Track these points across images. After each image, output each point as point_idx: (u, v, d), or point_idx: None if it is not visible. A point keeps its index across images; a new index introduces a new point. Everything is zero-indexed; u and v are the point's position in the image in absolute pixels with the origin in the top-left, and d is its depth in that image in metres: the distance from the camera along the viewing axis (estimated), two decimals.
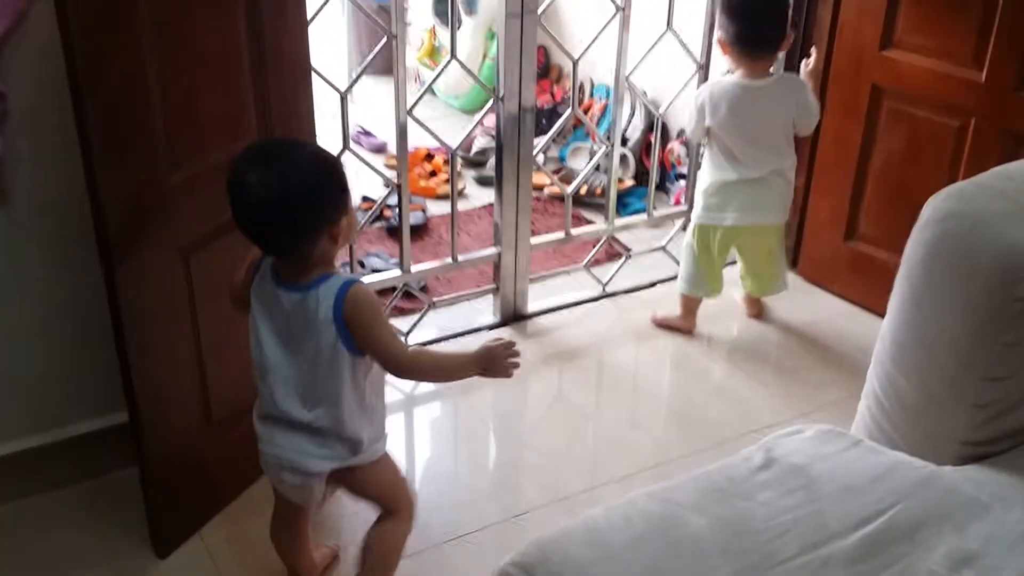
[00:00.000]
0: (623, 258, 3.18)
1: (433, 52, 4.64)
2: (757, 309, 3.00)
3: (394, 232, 3.31)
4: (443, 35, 4.71)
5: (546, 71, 4.47)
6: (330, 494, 1.86)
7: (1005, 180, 1.72)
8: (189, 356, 2.02)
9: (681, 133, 3.77)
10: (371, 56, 2.56)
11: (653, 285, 3.17)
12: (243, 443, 1.90)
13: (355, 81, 2.54)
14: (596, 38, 2.79)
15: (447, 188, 3.47)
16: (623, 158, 3.84)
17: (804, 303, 3.08)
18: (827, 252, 3.10)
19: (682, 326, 2.92)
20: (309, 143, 1.76)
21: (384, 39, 2.48)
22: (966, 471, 1.69)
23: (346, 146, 2.51)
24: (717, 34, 2.65)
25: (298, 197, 1.57)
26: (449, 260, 2.82)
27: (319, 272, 1.64)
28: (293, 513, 1.90)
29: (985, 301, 1.65)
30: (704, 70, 3.00)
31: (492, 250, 2.87)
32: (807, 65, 2.74)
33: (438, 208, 3.65)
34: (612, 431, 2.56)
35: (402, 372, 1.73)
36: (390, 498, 1.87)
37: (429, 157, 3.91)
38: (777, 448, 1.75)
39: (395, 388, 2.64)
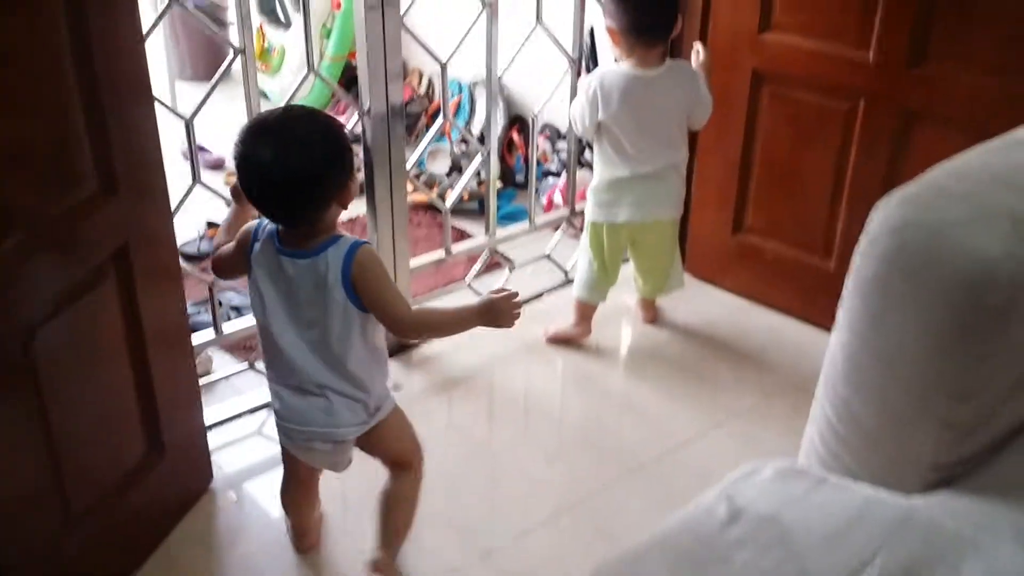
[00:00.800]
0: (507, 270, 2.97)
1: (264, 54, 4.30)
2: (652, 313, 2.85)
3: None
4: (272, 35, 4.38)
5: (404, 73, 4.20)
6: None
7: (957, 180, 1.59)
8: (36, 446, 1.69)
9: (545, 129, 3.59)
10: (217, 78, 2.23)
11: (540, 296, 2.98)
12: (109, 533, 1.66)
13: (200, 106, 2.21)
14: (465, 36, 2.55)
15: None
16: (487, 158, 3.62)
17: (697, 302, 2.95)
18: (715, 246, 2.98)
19: (576, 335, 2.76)
20: (310, 110, 1.70)
21: (231, 55, 2.16)
22: (941, 501, 1.56)
23: (196, 179, 2.19)
24: (606, 23, 2.48)
25: (315, 172, 1.60)
26: None
27: (325, 237, 1.67)
28: (308, 476, 1.96)
29: (950, 313, 1.51)
30: (576, 65, 2.80)
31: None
32: (698, 56, 2.59)
33: None
34: (523, 467, 2.35)
35: (407, 332, 1.86)
36: (405, 450, 1.91)
37: None
38: (739, 496, 1.58)
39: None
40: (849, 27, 2.49)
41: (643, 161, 2.52)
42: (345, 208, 1.69)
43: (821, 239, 2.71)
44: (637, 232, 2.61)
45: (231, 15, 4.36)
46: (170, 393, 2.00)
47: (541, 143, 3.56)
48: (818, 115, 2.63)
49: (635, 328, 2.85)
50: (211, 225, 3.23)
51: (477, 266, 2.90)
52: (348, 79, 4.12)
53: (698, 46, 2.59)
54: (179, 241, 2.15)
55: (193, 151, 2.20)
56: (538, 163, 3.57)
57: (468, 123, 3.82)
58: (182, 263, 2.09)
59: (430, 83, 4.05)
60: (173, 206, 2.00)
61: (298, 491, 1.99)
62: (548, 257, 3.07)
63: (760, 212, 2.85)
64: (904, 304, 1.54)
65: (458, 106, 3.84)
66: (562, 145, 3.51)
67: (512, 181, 3.68)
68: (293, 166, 1.59)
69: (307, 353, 1.73)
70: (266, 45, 4.33)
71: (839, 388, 1.67)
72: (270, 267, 1.71)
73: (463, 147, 3.69)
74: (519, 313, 1.75)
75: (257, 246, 1.72)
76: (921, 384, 1.56)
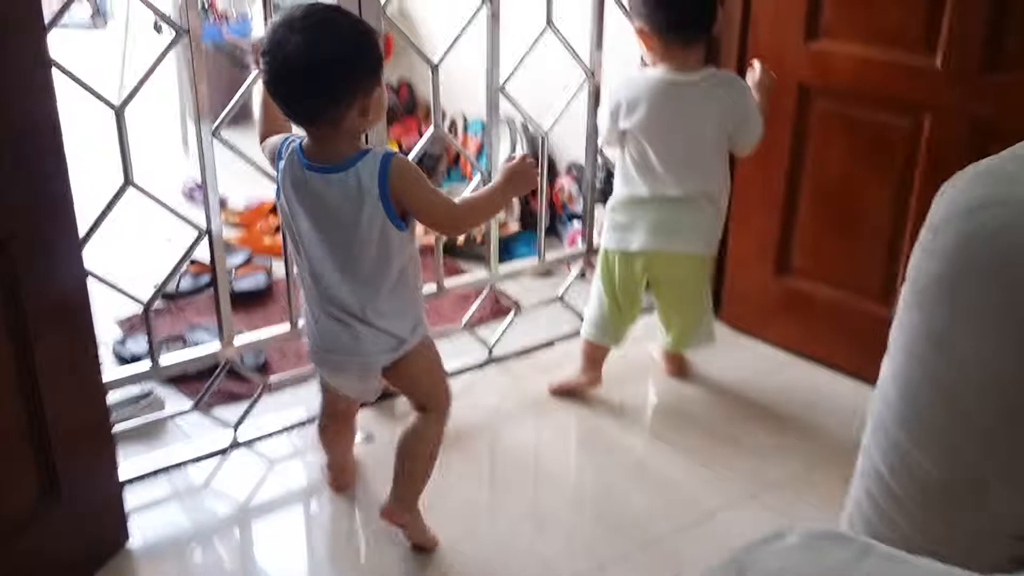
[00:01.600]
0: (511, 314, 2.61)
1: None
2: (678, 366, 2.46)
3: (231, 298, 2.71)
4: None
5: (412, 108, 3.95)
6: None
7: None
8: None
9: (571, 168, 3.26)
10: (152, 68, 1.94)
11: (551, 344, 2.62)
12: None
13: (132, 94, 1.91)
14: (460, 34, 2.23)
15: None
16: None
17: (733, 355, 2.56)
18: (755, 291, 2.60)
19: (583, 383, 2.39)
20: (346, 11, 1.73)
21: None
22: None
23: (128, 181, 1.88)
24: (634, 25, 2.16)
25: (336, 59, 1.58)
26: (287, 327, 2.19)
27: (351, 150, 1.64)
28: (345, 409, 1.97)
29: None
30: (594, 78, 2.47)
31: None
32: (754, 73, 2.25)
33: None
34: (519, 537, 1.97)
35: (459, 224, 1.82)
36: (431, 387, 1.86)
37: (275, 210, 3.29)
38: (754, 567, 1.18)
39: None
40: (912, 28, 2.16)
41: (670, 181, 2.17)
42: (367, 121, 1.65)
43: (880, 282, 2.32)
44: (655, 266, 2.26)
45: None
46: (70, 431, 1.66)
47: (567, 184, 3.22)
48: (876, 134, 2.27)
49: (658, 382, 2.47)
50: (193, 262, 2.91)
51: (475, 305, 2.53)
52: None
53: (756, 63, 2.25)
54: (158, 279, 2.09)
55: (124, 144, 1.88)
56: (563, 205, 3.24)
57: (489, 167, 3.49)
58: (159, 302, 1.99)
59: (452, 123, 3.76)
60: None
61: (334, 425, 1.98)
62: (561, 300, 2.71)
63: (808, 251, 2.47)
64: (981, 315, 1.14)
65: (480, 147, 3.53)
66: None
67: (534, 225, 3.33)
68: (318, 49, 1.56)
69: (337, 276, 1.70)
70: None
71: (892, 432, 1.27)
72: (297, 186, 1.67)
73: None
74: (537, 172, 1.82)
75: (282, 164, 1.69)
76: (1001, 425, 1.16)
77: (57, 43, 1.62)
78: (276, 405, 2.33)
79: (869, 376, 1.70)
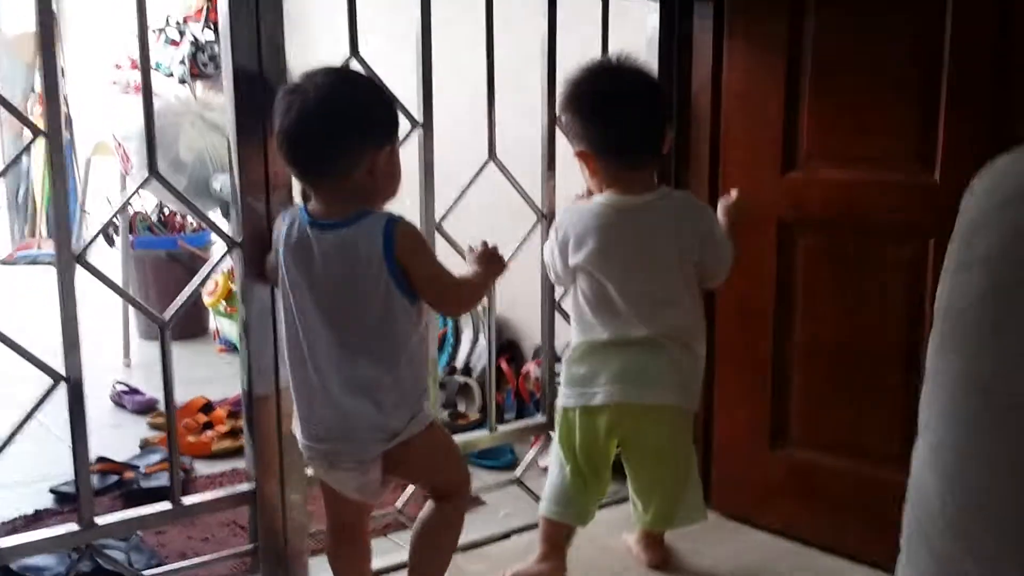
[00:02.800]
0: None
1: (231, 296, 3.78)
2: (660, 554, 2.03)
3: (133, 498, 2.32)
4: None
5: None
6: (387, 485, 1.69)
7: None
8: None
9: (538, 353, 2.91)
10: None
11: (507, 536, 2.18)
12: None
13: None
14: None
15: (229, 443, 2.82)
16: (464, 387, 2.96)
17: (727, 546, 2.14)
18: (748, 469, 2.21)
19: (543, 572, 1.95)
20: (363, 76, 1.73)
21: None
22: None
23: None
24: (574, 149, 1.90)
25: (348, 102, 1.55)
26: (167, 505, 1.77)
27: (359, 209, 1.56)
28: (353, 522, 1.74)
29: None
30: (547, 220, 2.16)
31: (243, 486, 1.84)
32: (726, 202, 1.99)
33: (211, 467, 2.66)
34: None
35: (462, 300, 1.71)
36: (446, 471, 1.70)
37: (207, 408, 2.93)
38: None
39: None
40: (904, 143, 1.88)
41: (634, 320, 1.86)
42: (375, 180, 1.56)
43: (896, 445, 1.92)
44: (625, 422, 1.89)
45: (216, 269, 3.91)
46: None
47: (533, 370, 2.87)
48: (871, 269, 1.97)
49: (634, 575, 2.00)
50: (101, 459, 2.56)
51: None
52: None
53: (733, 192, 1.99)
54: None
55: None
56: (531, 394, 2.88)
57: (452, 359, 3.17)
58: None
59: None
60: None
61: (345, 545, 1.75)
62: (519, 483, 2.27)
63: (808, 415, 2.11)
64: None
65: (442, 339, 3.20)
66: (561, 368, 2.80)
67: (500, 419, 2.95)
68: (331, 95, 1.53)
69: (332, 349, 1.57)
70: (234, 287, 3.83)
71: (939, 547, 0.86)
72: (297, 247, 1.58)
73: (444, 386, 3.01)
74: (500, 256, 1.72)
75: (284, 228, 1.61)
76: None
77: None
78: None
79: (889, 563, 1.21)
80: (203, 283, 1.83)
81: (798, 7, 2.03)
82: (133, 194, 1.84)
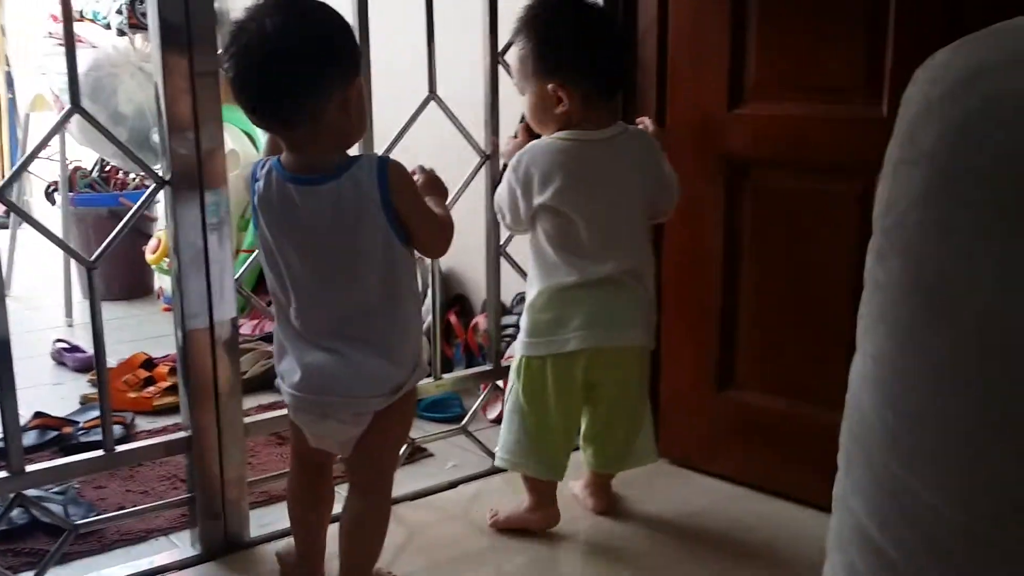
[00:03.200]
0: (403, 448, 2.13)
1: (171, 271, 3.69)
2: (606, 500, 2.01)
3: (72, 453, 2.24)
4: None
5: None
6: None
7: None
8: None
9: (486, 306, 2.86)
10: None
11: (454, 486, 2.13)
12: None
13: None
14: None
15: (171, 399, 2.69)
16: None
17: (672, 492, 2.09)
18: (695, 414, 2.17)
19: (532, 521, 1.93)
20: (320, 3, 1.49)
21: None
22: None
23: None
24: (548, 83, 1.81)
25: (309, 36, 1.40)
26: (99, 452, 1.71)
27: (342, 157, 1.46)
28: (322, 462, 1.65)
29: None
30: (489, 160, 2.11)
31: (179, 433, 1.79)
32: (644, 129, 1.95)
33: (152, 423, 2.60)
34: None
35: (448, 239, 1.56)
36: (388, 456, 1.62)
37: (149, 364, 2.86)
38: None
39: None
40: (850, 75, 1.86)
41: (601, 258, 1.83)
42: (349, 116, 1.44)
43: (845, 388, 1.87)
44: (597, 366, 1.86)
45: (157, 226, 3.84)
46: None
47: (482, 323, 2.82)
48: (821, 207, 1.93)
49: (584, 523, 1.96)
50: (39, 415, 2.48)
51: None
52: None
53: (645, 120, 1.93)
54: None
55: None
56: (480, 347, 2.83)
57: None
58: None
59: None
60: None
61: (310, 481, 1.65)
62: (465, 432, 2.23)
63: (755, 358, 2.08)
64: (1003, 228, 0.74)
65: None
66: (510, 320, 2.76)
67: (449, 372, 2.90)
68: (288, 28, 1.39)
69: (334, 306, 1.49)
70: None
71: (880, 464, 0.83)
72: (276, 206, 1.47)
73: None
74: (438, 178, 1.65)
75: (259, 185, 1.49)
76: None
77: None
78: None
79: None
80: (131, 221, 1.76)
81: None
82: (58, 127, 1.74)
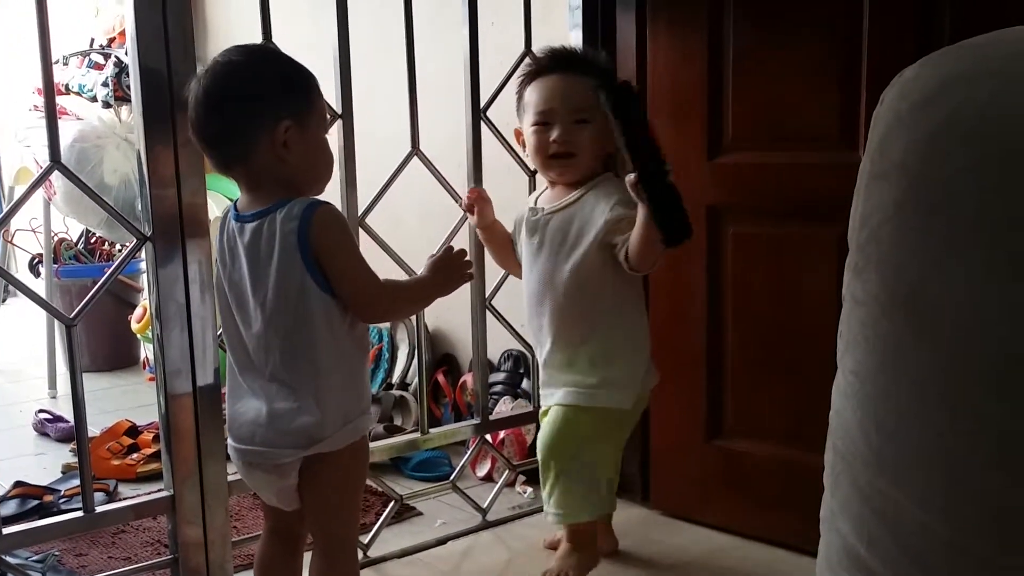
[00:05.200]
0: (390, 507, 2.11)
1: (152, 328, 3.68)
2: (613, 541, 2.04)
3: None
4: None
5: None
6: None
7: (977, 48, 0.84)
8: None
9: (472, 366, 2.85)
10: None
11: (443, 543, 2.10)
12: None
13: None
14: None
15: (155, 467, 2.65)
16: (400, 401, 2.89)
17: (665, 542, 2.07)
18: (684, 463, 2.14)
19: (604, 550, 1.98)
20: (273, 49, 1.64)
21: None
22: None
23: None
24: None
25: (231, 76, 1.46)
26: (79, 513, 1.68)
27: (279, 197, 1.46)
28: (288, 528, 1.60)
29: None
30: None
31: (160, 492, 1.76)
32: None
33: (138, 491, 2.55)
34: None
35: (377, 304, 1.52)
36: (337, 515, 1.53)
37: (133, 432, 2.83)
38: None
39: None
40: (826, 122, 1.89)
41: None
42: (286, 161, 1.45)
43: None
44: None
45: (143, 296, 3.83)
46: None
47: (470, 381, 2.81)
48: (802, 252, 1.95)
49: None
50: (19, 484, 2.45)
51: None
52: None
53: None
54: None
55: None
56: (468, 405, 2.81)
57: (388, 375, 3.10)
58: None
59: None
60: None
61: (278, 543, 1.61)
62: (454, 487, 2.20)
63: (742, 405, 2.07)
64: (971, 237, 0.74)
65: (377, 355, 3.13)
66: (498, 377, 2.74)
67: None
68: (224, 72, 1.46)
69: (254, 344, 1.48)
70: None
71: (865, 481, 0.82)
72: (224, 244, 1.51)
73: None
74: (470, 265, 1.59)
75: (222, 229, 1.53)
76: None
77: None
78: None
79: None
80: (114, 275, 1.76)
81: None
82: (40, 181, 1.74)
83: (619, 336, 1.87)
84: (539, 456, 1.90)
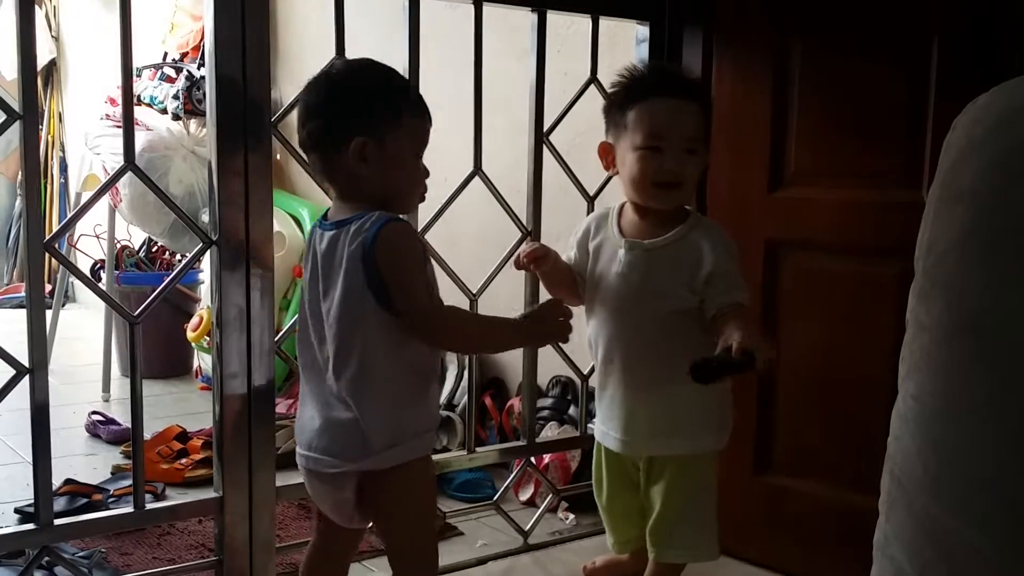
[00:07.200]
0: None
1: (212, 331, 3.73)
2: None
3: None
4: None
5: None
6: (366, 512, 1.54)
7: None
8: None
9: (520, 390, 2.86)
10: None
11: (483, 562, 2.09)
12: None
13: None
14: None
15: (203, 472, 2.67)
16: (447, 421, 2.89)
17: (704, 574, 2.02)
18: (730, 498, 2.11)
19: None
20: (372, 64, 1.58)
21: None
22: None
23: None
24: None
25: (337, 83, 1.51)
26: (128, 508, 1.71)
27: (360, 209, 1.48)
28: (340, 550, 1.61)
29: None
30: (529, 237, 2.13)
31: (209, 493, 1.78)
32: None
33: (185, 496, 2.58)
34: None
35: (435, 328, 1.49)
36: (413, 534, 1.53)
37: (183, 437, 2.86)
38: None
39: None
40: (890, 161, 1.88)
41: None
42: (367, 174, 1.47)
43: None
44: None
45: (200, 306, 3.90)
46: None
47: (517, 406, 2.81)
48: (860, 289, 1.93)
49: None
50: (69, 481, 2.49)
51: None
52: None
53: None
54: None
55: None
56: (514, 429, 2.81)
57: None
58: None
59: None
60: None
61: (323, 555, 1.61)
62: (497, 508, 2.20)
63: (792, 440, 2.05)
64: None
65: None
66: (546, 403, 2.74)
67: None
68: (333, 75, 1.53)
69: (319, 350, 1.50)
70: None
71: (922, 510, 0.81)
72: (310, 251, 1.54)
73: None
74: (570, 328, 1.58)
75: (309, 239, 1.56)
76: None
77: None
78: None
79: None
80: (176, 278, 1.80)
81: (784, 32, 2.03)
82: (112, 182, 1.79)
83: None
84: (662, 504, 1.82)
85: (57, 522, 1.65)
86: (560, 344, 2.20)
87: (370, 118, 1.48)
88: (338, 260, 1.46)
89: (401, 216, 1.50)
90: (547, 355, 2.26)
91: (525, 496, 2.50)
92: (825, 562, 1.98)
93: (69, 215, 2.09)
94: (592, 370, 2.02)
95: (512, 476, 2.28)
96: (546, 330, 1.60)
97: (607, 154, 1.83)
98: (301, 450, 1.52)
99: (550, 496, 2.31)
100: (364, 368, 1.45)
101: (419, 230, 1.98)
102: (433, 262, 1.61)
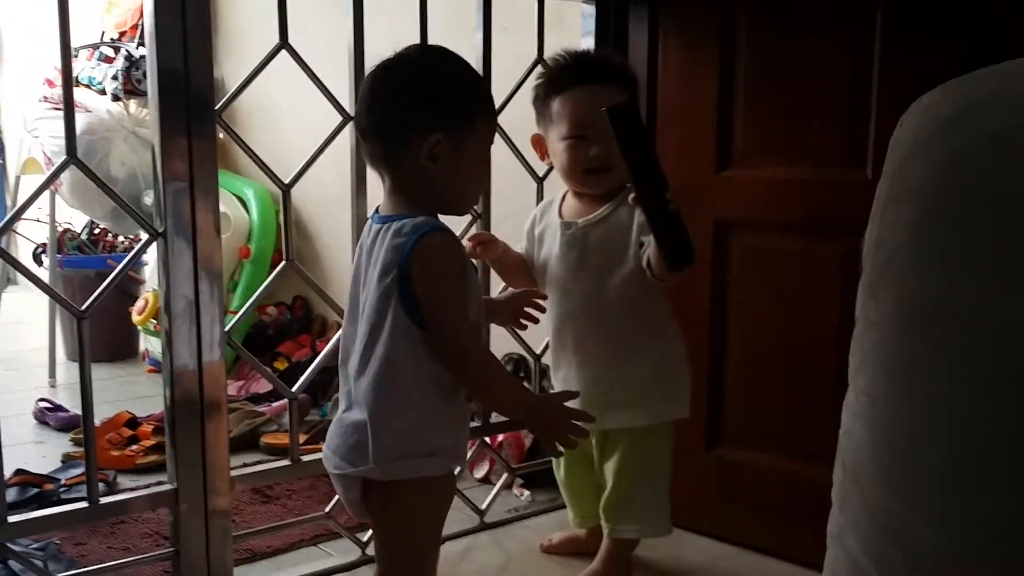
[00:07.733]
0: None
1: (159, 314, 3.68)
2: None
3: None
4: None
5: (308, 324, 3.57)
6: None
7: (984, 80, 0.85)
8: None
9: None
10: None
11: (456, 538, 2.10)
12: None
13: None
14: (318, 153, 1.89)
15: (155, 458, 2.71)
16: None
17: (662, 551, 2.06)
18: (682, 472, 2.14)
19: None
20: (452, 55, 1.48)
21: None
22: None
23: None
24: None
25: (401, 76, 1.43)
26: (83, 504, 1.69)
27: (410, 210, 1.41)
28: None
29: None
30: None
31: (160, 478, 1.77)
32: None
33: (137, 482, 2.58)
34: None
35: (455, 350, 1.39)
36: (400, 551, 1.46)
37: (133, 423, 2.83)
38: None
39: None
40: (835, 139, 1.90)
41: None
42: (429, 173, 1.39)
43: (833, 446, 1.87)
44: None
45: (145, 288, 3.84)
46: None
47: None
48: (806, 267, 1.95)
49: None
50: (19, 472, 2.45)
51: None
52: (261, 336, 3.49)
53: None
54: None
55: None
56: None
57: None
58: None
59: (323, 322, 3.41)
60: None
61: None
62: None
63: (741, 416, 2.08)
64: (992, 257, 0.75)
65: None
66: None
67: None
68: (398, 66, 1.43)
69: (351, 347, 1.46)
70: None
71: (874, 499, 0.83)
72: (360, 244, 1.49)
73: None
74: (574, 439, 1.47)
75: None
76: None
77: None
78: None
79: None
80: (124, 271, 1.77)
81: (729, 9, 2.03)
82: (53, 178, 1.75)
83: (669, 345, 1.86)
84: (614, 480, 1.86)
85: (11, 519, 1.62)
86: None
87: (449, 115, 1.41)
88: (374, 259, 1.41)
89: (443, 224, 1.41)
90: (500, 334, 2.26)
91: (480, 474, 2.51)
92: (777, 532, 2.02)
93: (8, 205, 2.05)
94: (546, 348, 2.03)
95: (466, 457, 2.29)
96: (545, 426, 1.50)
97: (539, 145, 1.88)
98: (324, 444, 1.49)
99: (505, 474, 2.33)
100: (383, 374, 1.39)
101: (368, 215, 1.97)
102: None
